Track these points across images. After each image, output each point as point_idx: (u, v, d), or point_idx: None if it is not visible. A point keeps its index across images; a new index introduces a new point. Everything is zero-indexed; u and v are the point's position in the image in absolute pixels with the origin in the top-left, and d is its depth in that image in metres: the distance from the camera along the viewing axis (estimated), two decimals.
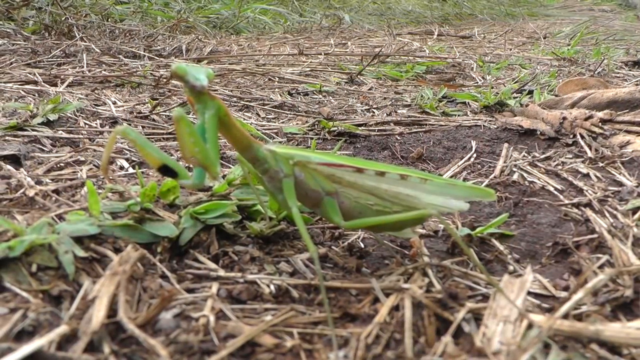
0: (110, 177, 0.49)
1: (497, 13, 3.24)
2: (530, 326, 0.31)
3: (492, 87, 1.03)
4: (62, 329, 0.28)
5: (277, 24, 2.21)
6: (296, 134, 0.71)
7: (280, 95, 0.94)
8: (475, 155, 0.64)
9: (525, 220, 0.48)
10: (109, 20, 1.62)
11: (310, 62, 1.31)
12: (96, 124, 0.70)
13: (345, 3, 2.85)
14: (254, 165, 0.36)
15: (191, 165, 0.34)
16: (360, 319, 0.33)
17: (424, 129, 0.75)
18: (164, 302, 0.30)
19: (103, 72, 1.04)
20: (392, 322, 0.32)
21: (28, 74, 0.96)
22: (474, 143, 0.68)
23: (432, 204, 0.36)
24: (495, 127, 0.75)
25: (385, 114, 0.83)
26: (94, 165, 0.55)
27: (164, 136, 0.67)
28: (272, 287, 0.35)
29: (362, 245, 0.42)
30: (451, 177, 0.58)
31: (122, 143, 0.62)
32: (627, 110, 0.78)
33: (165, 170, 0.33)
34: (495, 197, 0.37)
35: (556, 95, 0.92)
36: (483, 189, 0.37)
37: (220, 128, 0.34)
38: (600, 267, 0.39)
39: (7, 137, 0.61)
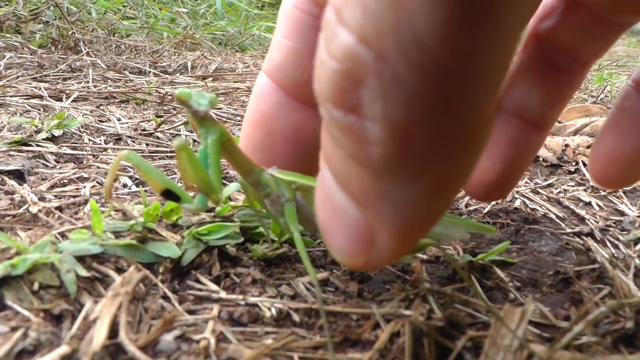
0: (114, 198, 0.50)
1: None
2: (530, 356, 0.31)
3: None
4: (63, 349, 0.28)
5: None
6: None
7: None
8: None
9: (527, 248, 0.48)
10: (115, 35, 1.63)
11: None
12: (100, 140, 0.71)
13: None
14: (256, 189, 0.36)
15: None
16: (361, 345, 0.33)
17: None
18: (166, 325, 0.30)
19: (108, 87, 1.05)
20: (393, 348, 0.32)
21: (34, 88, 0.97)
22: None
23: (433, 232, 0.36)
24: None
25: None
26: (97, 182, 0.55)
27: (168, 154, 0.67)
28: (273, 310, 0.35)
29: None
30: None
31: (125, 161, 0.62)
32: None
33: (168, 195, 0.33)
34: (497, 232, 0.37)
35: (559, 122, 0.92)
36: (485, 226, 0.37)
37: (223, 152, 0.34)
38: (602, 298, 0.39)
39: (11, 152, 0.61)
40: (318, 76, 0.18)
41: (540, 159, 0.71)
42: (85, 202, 0.48)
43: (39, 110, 0.84)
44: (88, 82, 1.08)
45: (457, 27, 0.15)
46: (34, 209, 0.45)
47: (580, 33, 0.31)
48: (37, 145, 0.65)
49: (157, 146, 0.71)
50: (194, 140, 0.75)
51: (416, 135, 0.17)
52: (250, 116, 0.36)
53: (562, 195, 0.60)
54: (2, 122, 0.74)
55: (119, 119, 0.82)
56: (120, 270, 0.36)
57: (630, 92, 0.31)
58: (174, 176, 0.59)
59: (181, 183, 0.34)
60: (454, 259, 0.37)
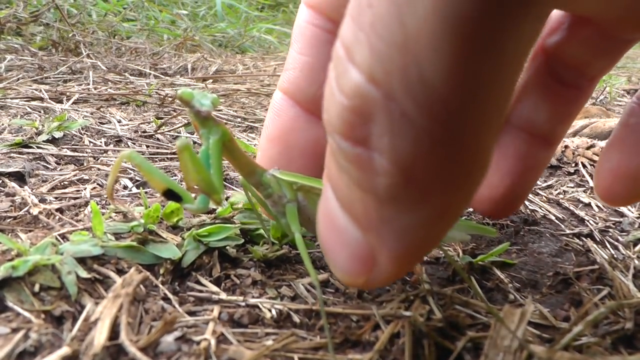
0: (115, 199, 0.50)
1: None
2: (530, 357, 0.31)
3: None
4: (64, 350, 0.28)
5: (283, 44, 2.23)
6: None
7: None
8: None
9: (526, 249, 0.48)
10: (116, 37, 1.64)
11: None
12: (101, 142, 0.71)
13: None
14: (257, 190, 0.37)
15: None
16: (361, 346, 0.33)
17: None
18: (167, 326, 0.30)
19: (109, 89, 1.05)
20: (393, 349, 0.32)
21: (34, 90, 0.97)
22: None
23: None
24: None
25: None
26: (98, 184, 0.55)
27: (168, 156, 0.68)
28: (273, 311, 0.35)
29: None
30: None
31: (126, 163, 0.62)
32: None
33: (170, 195, 0.33)
34: (496, 234, 0.38)
35: None
36: (485, 227, 0.38)
37: (224, 153, 0.35)
38: (601, 299, 0.39)
39: (12, 154, 0.61)
40: (328, 108, 0.20)
41: None
42: (86, 203, 0.48)
43: (40, 112, 0.84)
44: (88, 84, 1.08)
45: (461, 71, 0.16)
46: (34, 211, 0.45)
47: (587, 48, 0.31)
48: (38, 147, 0.65)
49: (158, 148, 0.71)
50: (195, 142, 0.75)
51: (421, 168, 0.18)
52: (268, 132, 0.36)
53: (561, 196, 0.60)
54: (2, 124, 0.74)
55: (119, 121, 0.82)
56: (120, 272, 0.36)
57: (635, 108, 0.31)
58: (174, 177, 0.59)
59: (183, 184, 0.34)
60: (455, 260, 0.37)
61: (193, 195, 0.34)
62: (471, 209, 0.53)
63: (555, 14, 0.32)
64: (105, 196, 0.51)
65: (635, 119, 0.31)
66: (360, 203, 0.20)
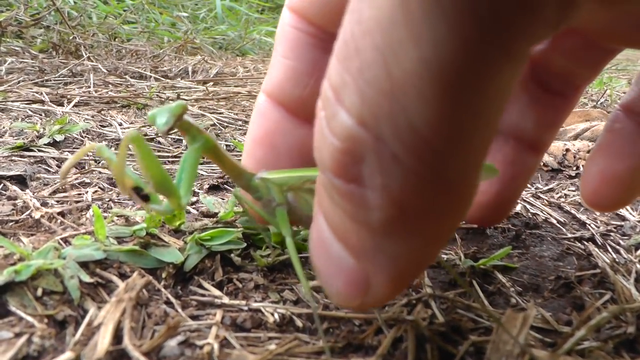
0: (116, 204, 0.50)
1: None
2: None
3: None
4: (67, 355, 0.28)
5: None
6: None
7: None
8: None
9: (528, 253, 0.48)
10: (116, 39, 1.64)
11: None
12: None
13: None
14: (248, 192, 0.37)
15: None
16: (364, 350, 0.33)
17: None
18: (170, 331, 0.30)
19: (109, 92, 1.05)
20: (396, 353, 0.32)
21: (35, 93, 0.97)
22: None
23: None
24: None
25: None
26: (100, 187, 0.55)
27: (169, 159, 0.68)
28: (276, 315, 0.35)
29: None
30: None
31: (128, 165, 0.62)
32: None
33: (138, 193, 0.32)
34: (499, 172, 0.37)
35: None
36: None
37: (212, 159, 0.35)
38: (604, 303, 0.39)
39: (13, 157, 0.61)
40: (319, 147, 0.21)
41: (541, 163, 0.71)
42: (88, 207, 0.48)
43: (41, 115, 0.84)
44: (89, 86, 1.08)
45: (445, 117, 0.17)
46: (36, 215, 0.45)
47: (572, 58, 0.32)
48: (39, 151, 0.65)
49: (159, 151, 0.71)
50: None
51: (411, 203, 0.20)
52: (252, 134, 0.37)
53: (563, 200, 0.60)
54: (4, 127, 0.74)
55: (120, 124, 0.82)
56: (123, 276, 0.36)
57: (620, 115, 0.31)
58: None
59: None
60: (452, 268, 0.37)
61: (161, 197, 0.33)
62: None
63: None
64: (107, 200, 0.51)
65: (620, 125, 0.31)
66: (354, 234, 0.21)
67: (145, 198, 0.33)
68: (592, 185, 0.32)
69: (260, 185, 0.36)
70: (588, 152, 0.71)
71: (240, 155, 0.69)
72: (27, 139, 0.67)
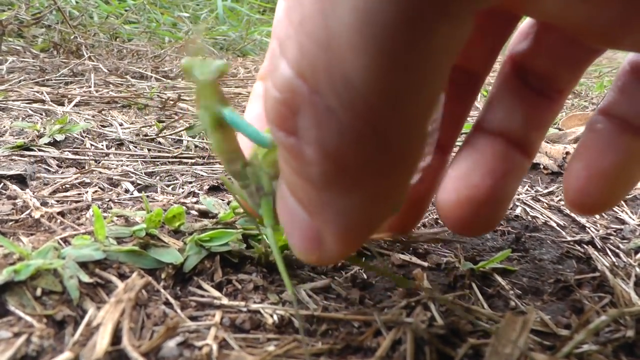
0: (116, 203, 0.50)
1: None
2: None
3: None
4: (66, 355, 0.28)
5: None
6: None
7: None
8: None
9: (528, 256, 0.48)
10: (117, 39, 1.64)
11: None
12: (102, 145, 0.71)
13: None
14: (236, 179, 0.33)
15: None
16: (362, 352, 0.33)
17: None
18: (169, 332, 0.30)
19: (110, 92, 1.05)
20: (394, 356, 0.32)
21: (36, 93, 0.97)
22: None
23: None
24: None
25: None
26: (100, 187, 0.55)
27: (170, 160, 0.68)
28: (275, 316, 0.35)
29: (365, 277, 0.43)
30: None
31: (127, 166, 0.62)
32: None
33: None
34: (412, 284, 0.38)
35: (559, 129, 0.92)
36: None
37: (218, 131, 0.31)
38: (603, 307, 0.39)
39: (13, 157, 0.61)
40: (265, 99, 0.21)
41: (541, 166, 0.71)
42: (88, 207, 0.48)
43: (41, 114, 0.84)
44: (90, 86, 1.09)
45: (380, 71, 0.17)
46: (36, 214, 0.45)
47: (553, 57, 0.32)
48: (39, 150, 0.65)
49: (159, 151, 0.71)
50: (196, 146, 0.75)
51: (348, 158, 0.20)
52: (248, 115, 0.37)
53: (562, 203, 0.60)
54: (4, 127, 0.74)
55: (120, 124, 0.82)
56: (122, 276, 0.36)
57: (599, 117, 0.31)
58: (175, 182, 0.59)
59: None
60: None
61: None
62: (446, 229, 0.52)
63: (524, 22, 0.32)
64: (107, 200, 0.51)
65: (601, 125, 0.31)
66: (301, 189, 0.22)
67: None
68: (576, 184, 0.32)
69: (249, 172, 0.33)
70: None
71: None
72: (27, 138, 0.67)
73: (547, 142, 0.80)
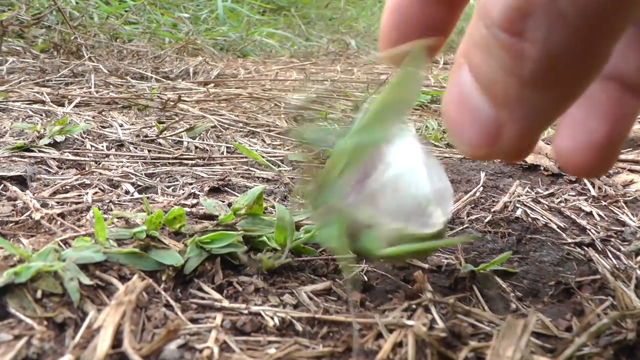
0: (116, 205, 0.50)
1: None
2: None
3: None
4: (67, 358, 0.28)
5: (284, 48, 2.23)
6: (301, 162, 0.71)
7: (287, 122, 0.95)
8: (480, 189, 0.64)
9: (528, 258, 0.48)
10: (117, 40, 1.64)
11: (317, 88, 1.32)
12: (102, 146, 0.71)
13: (352, 28, 2.87)
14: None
15: None
16: (364, 354, 0.33)
17: None
18: (170, 335, 0.30)
19: (110, 93, 1.05)
20: (395, 358, 0.32)
21: (36, 93, 0.97)
22: (478, 176, 0.68)
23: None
24: (499, 160, 0.75)
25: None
26: (100, 188, 0.55)
27: (170, 161, 0.68)
28: (276, 319, 0.35)
29: (366, 279, 0.43)
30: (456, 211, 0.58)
31: (127, 167, 0.62)
32: (630, 149, 0.78)
33: None
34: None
35: None
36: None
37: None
38: (604, 309, 0.39)
39: (13, 158, 0.61)
40: (490, 5, 0.23)
41: (542, 167, 0.71)
42: (88, 208, 0.48)
43: (41, 115, 0.84)
44: (90, 87, 1.08)
45: None
46: (36, 216, 0.45)
47: None
48: (40, 151, 0.65)
49: (160, 153, 0.71)
50: (196, 147, 0.75)
51: (562, 58, 0.22)
52: (388, 6, 0.38)
53: (563, 204, 0.60)
54: (4, 128, 0.74)
55: (121, 125, 0.82)
56: (123, 279, 0.36)
57: None
58: (175, 183, 0.59)
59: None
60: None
61: None
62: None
63: None
64: (107, 201, 0.51)
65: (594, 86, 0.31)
66: (502, 84, 0.24)
67: None
68: (571, 133, 0.32)
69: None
70: None
71: (242, 156, 0.70)
72: (27, 139, 0.67)
73: (548, 144, 0.80)
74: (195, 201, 0.52)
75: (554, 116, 0.26)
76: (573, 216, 0.57)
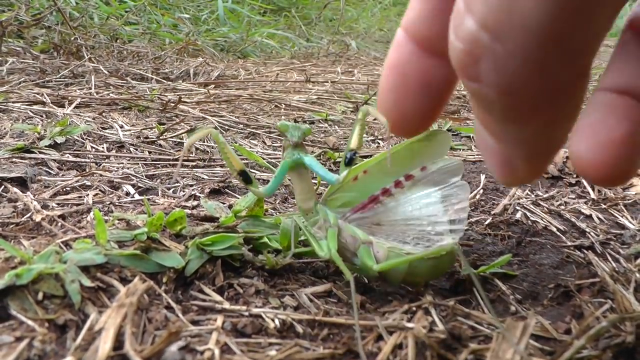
0: (117, 207, 0.50)
1: None
2: None
3: None
4: None
5: (284, 49, 2.23)
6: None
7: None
8: (481, 191, 0.64)
9: (528, 261, 0.48)
10: (118, 41, 1.64)
11: (317, 89, 1.32)
12: (103, 147, 0.71)
13: (352, 29, 2.88)
14: (306, 216, 0.41)
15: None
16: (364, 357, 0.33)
17: None
18: (171, 337, 0.30)
19: (110, 94, 1.05)
20: None
21: (36, 94, 0.97)
22: (478, 179, 0.68)
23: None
24: None
25: (390, 146, 0.83)
26: (100, 190, 0.55)
27: (170, 162, 0.68)
28: (276, 321, 0.35)
29: (366, 281, 0.43)
30: None
31: (128, 169, 0.62)
32: None
33: (244, 176, 0.38)
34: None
35: None
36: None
37: (295, 176, 0.40)
38: (603, 312, 0.39)
39: (14, 159, 0.61)
40: (450, 53, 0.24)
41: None
42: (88, 210, 0.49)
43: (42, 116, 0.84)
44: (90, 88, 1.09)
45: (555, 21, 0.20)
46: (37, 217, 0.45)
47: None
48: (40, 152, 0.65)
49: (160, 154, 0.71)
50: (197, 149, 0.75)
51: (521, 94, 0.23)
52: (388, 61, 0.39)
53: (563, 207, 0.60)
54: (4, 129, 0.74)
55: (121, 126, 0.82)
56: (124, 280, 0.36)
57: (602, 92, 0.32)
58: (175, 185, 0.59)
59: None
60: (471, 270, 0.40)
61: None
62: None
63: None
64: (107, 203, 0.51)
65: (606, 98, 0.31)
66: (490, 122, 0.26)
67: (248, 181, 0.39)
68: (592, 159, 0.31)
69: (321, 210, 0.41)
70: None
71: (242, 158, 0.70)
72: (27, 140, 0.68)
73: None
74: (196, 203, 0.52)
75: (553, 143, 0.27)
76: (573, 219, 0.57)
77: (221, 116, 0.95)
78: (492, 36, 0.22)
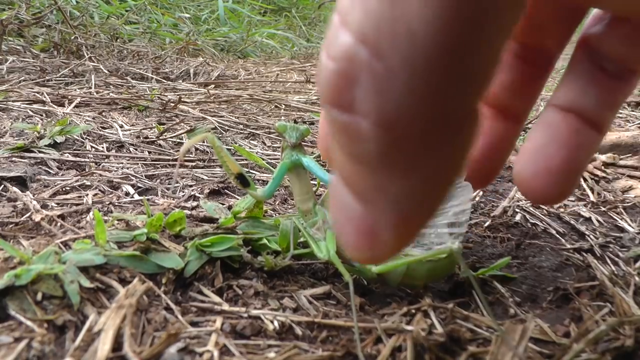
0: (117, 207, 0.50)
1: None
2: None
3: None
4: None
5: (284, 49, 2.23)
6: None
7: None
8: (480, 193, 0.64)
9: (527, 263, 0.48)
10: (118, 40, 1.64)
11: (317, 90, 1.31)
12: (102, 147, 0.71)
13: None
14: (305, 217, 0.42)
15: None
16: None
17: None
18: (170, 338, 0.30)
19: (110, 93, 1.05)
20: None
21: (36, 93, 0.97)
22: None
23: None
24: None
25: None
26: (100, 190, 0.55)
27: (170, 163, 0.68)
28: (275, 323, 0.35)
29: (365, 283, 0.43)
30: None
31: (127, 169, 0.62)
32: (629, 155, 0.78)
33: (241, 179, 0.39)
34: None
35: None
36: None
37: (294, 177, 0.41)
38: (602, 315, 0.39)
39: (13, 158, 0.61)
40: (319, 80, 0.19)
41: None
42: (88, 210, 0.48)
43: (42, 115, 0.84)
44: (90, 87, 1.09)
45: (446, 27, 0.17)
46: (36, 217, 0.45)
47: (627, 40, 0.32)
48: (40, 152, 0.65)
49: (160, 154, 0.71)
50: (196, 149, 0.75)
51: (406, 129, 0.18)
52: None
53: (562, 210, 0.60)
54: (4, 128, 0.74)
55: (121, 126, 0.82)
56: (123, 281, 0.36)
57: (551, 111, 0.32)
58: (177, 185, 0.59)
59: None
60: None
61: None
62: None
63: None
64: (107, 203, 0.51)
65: (554, 118, 0.32)
66: (356, 174, 0.20)
67: (246, 184, 0.39)
68: (530, 179, 0.32)
69: (319, 210, 0.41)
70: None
71: (242, 159, 0.70)
72: (27, 139, 0.67)
73: None
74: (195, 204, 0.52)
75: (432, 203, 0.22)
76: (572, 222, 0.57)
77: (221, 116, 0.94)
78: (371, 51, 0.18)
